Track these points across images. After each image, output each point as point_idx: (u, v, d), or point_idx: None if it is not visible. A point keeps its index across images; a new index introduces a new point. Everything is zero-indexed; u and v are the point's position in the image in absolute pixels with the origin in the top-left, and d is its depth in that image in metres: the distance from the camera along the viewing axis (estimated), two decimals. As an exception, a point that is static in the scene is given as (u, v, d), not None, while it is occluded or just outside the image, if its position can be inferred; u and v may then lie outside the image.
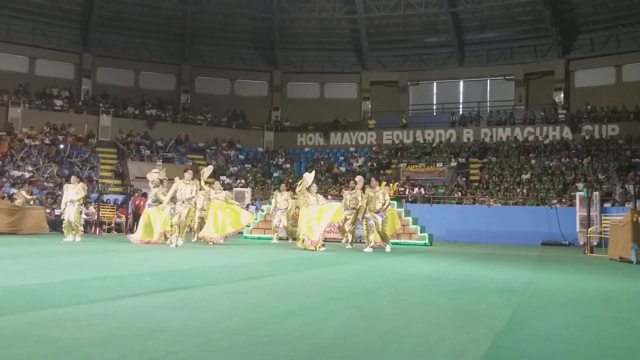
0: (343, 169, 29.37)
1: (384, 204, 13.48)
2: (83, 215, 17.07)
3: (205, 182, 15.43)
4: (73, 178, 15.09)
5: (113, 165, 27.43)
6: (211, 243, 14.10)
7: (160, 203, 14.21)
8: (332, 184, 27.33)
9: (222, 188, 16.09)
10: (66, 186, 14.98)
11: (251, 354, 3.24)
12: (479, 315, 4.74)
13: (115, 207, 21.85)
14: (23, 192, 18.53)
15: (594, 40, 30.59)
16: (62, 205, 14.83)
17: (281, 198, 17.26)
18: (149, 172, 15.52)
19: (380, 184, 14.42)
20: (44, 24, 30.94)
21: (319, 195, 14.19)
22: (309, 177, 13.99)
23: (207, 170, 15.64)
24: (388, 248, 13.66)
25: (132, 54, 33.00)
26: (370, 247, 13.46)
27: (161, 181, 14.67)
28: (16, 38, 30.30)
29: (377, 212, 13.46)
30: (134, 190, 22.61)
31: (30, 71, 31.02)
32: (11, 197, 18.59)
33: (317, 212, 13.20)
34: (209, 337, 3.57)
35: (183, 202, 13.53)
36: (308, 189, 13.73)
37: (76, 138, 27.80)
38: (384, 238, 13.77)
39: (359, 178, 14.80)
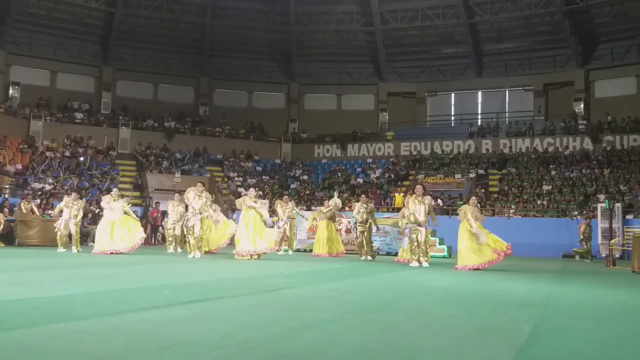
0: (360, 180, 29.30)
1: (429, 214, 12.77)
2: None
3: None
4: (74, 195, 14.90)
5: (132, 177, 27.66)
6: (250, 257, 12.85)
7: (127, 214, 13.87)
8: (349, 195, 27.25)
9: (258, 195, 14.40)
10: (66, 198, 14.71)
11: (269, 368, 3.23)
12: (498, 330, 4.68)
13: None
14: (22, 205, 17.92)
15: (614, 50, 30.29)
16: (57, 212, 14.61)
17: (285, 209, 17.12)
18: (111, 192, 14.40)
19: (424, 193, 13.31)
20: (65, 38, 31.43)
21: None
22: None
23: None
24: (426, 263, 12.60)
25: (151, 67, 33.39)
26: (417, 261, 12.52)
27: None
28: (38, 52, 30.86)
29: (420, 224, 12.64)
30: (153, 202, 22.75)
31: (52, 85, 31.51)
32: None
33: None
34: (227, 350, 3.57)
35: (194, 214, 13.71)
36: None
37: (96, 150, 28.17)
38: (424, 253, 12.71)
39: (418, 187, 13.46)
